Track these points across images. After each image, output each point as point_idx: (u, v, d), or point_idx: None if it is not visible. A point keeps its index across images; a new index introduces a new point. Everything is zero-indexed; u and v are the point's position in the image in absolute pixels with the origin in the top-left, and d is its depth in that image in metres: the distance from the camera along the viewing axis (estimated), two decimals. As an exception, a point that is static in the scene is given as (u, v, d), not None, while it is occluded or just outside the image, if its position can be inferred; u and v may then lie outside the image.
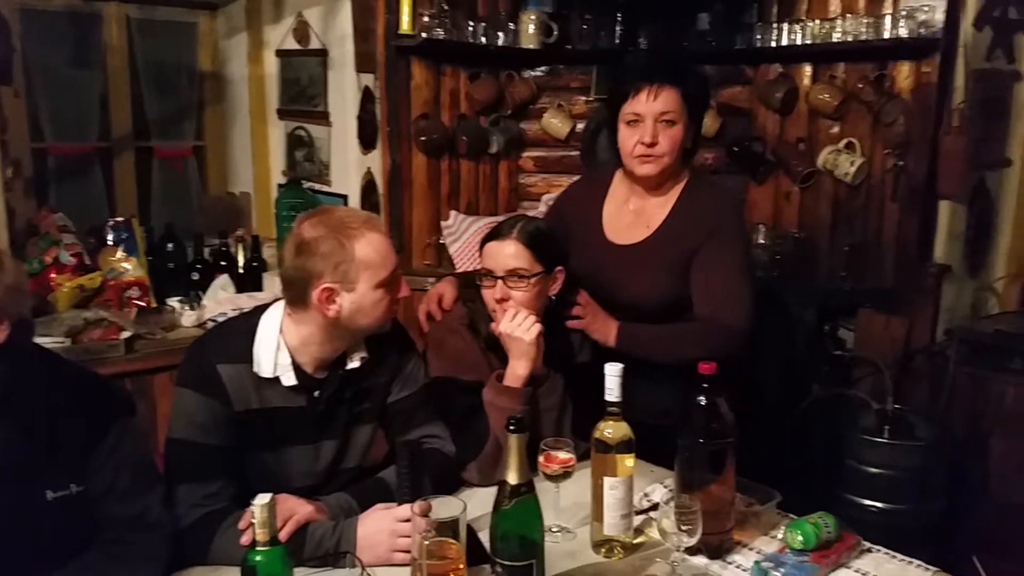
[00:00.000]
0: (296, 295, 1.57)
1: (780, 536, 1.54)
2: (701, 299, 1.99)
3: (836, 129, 3.21)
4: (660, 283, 2.00)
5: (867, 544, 1.58)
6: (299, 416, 1.64)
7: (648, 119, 1.91)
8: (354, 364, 1.68)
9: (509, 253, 1.81)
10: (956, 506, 2.90)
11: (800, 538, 1.47)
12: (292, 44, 3.24)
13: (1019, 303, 3.09)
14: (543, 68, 3.38)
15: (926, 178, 2.96)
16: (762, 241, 3.28)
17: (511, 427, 1.32)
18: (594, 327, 1.97)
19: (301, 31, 3.20)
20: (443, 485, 1.64)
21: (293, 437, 1.65)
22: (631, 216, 2.06)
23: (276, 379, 1.60)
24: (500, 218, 3.20)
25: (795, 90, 3.26)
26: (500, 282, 1.81)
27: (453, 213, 3.21)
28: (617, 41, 3.23)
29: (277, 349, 1.60)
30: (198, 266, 2.99)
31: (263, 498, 1.17)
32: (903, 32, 2.87)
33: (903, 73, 3.02)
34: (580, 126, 3.39)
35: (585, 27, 3.25)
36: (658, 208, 2.04)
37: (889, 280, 3.12)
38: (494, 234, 1.87)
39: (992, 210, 3.16)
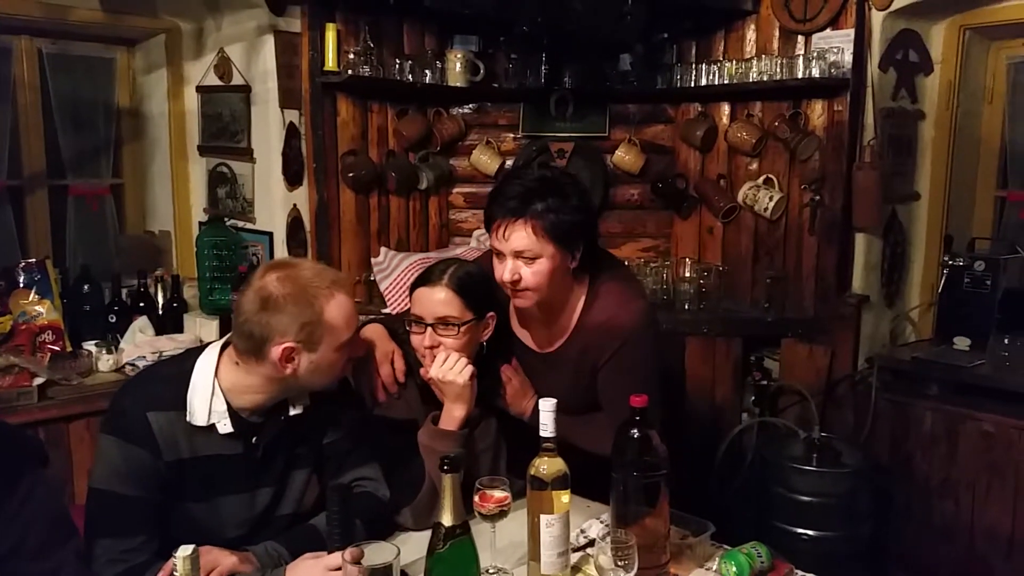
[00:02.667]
0: (252, 348, 1.52)
1: (715, 568, 1.55)
2: (608, 409, 1.90)
3: (755, 165, 3.32)
4: (572, 394, 1.88)
5: (799, 572, 1.59)
6: (235, 464, 1.58)
7: (508, 256, 1.76)
8: (297, 411, 1.63)
9: (439, 300, 1.77)
10: (883, 529, 2.99)
11: (734, 569, 1.48)
12: (214, 80, 3.19)
13: (933, 331, 3.21)
14: (471, 105, 3.41)
15: (842, 211, 3.08)
16: (688, 274, 3.35)
17: (444, 467, 1.30)
18: (515, 405, 1.91)
19: (223, 67, 3.15)
20: (376, 530, 1.60)
21: (228, 486, 1.59)
22: (538, 323, 1.94)
23: (211, 426, 1.54)
24: (431, 255, 3.21)
25: (714, 128, 3.36)
26: (430, 329, 1.77)
27: (383, 249, 3.18)
28: (543, 80, 3.28)
29: (212, 395, 1.54)
30: (115, 308, 2.87)
31: (185, 550, 1.12)
32: (815, 72, 3.00)
33: (816, 111, 3.15)
34: (509, 162, 3.42)
35: (511, 66, 3.29)
36: (563, 319, 1.91)
37: (810, 310, 3.21)
38: (424, 279, 1.82)
39: (905, 242, 3.30)
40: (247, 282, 1.57)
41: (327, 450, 1.71)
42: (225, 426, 1.55)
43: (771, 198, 3.21)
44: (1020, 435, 2.77)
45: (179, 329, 2.92)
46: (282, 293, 1.51)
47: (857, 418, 3.12)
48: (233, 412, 1.56)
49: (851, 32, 2.99)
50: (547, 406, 1.49)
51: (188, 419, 1.53)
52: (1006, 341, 2.88)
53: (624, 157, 3.40)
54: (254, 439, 1.59)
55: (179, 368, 1.58)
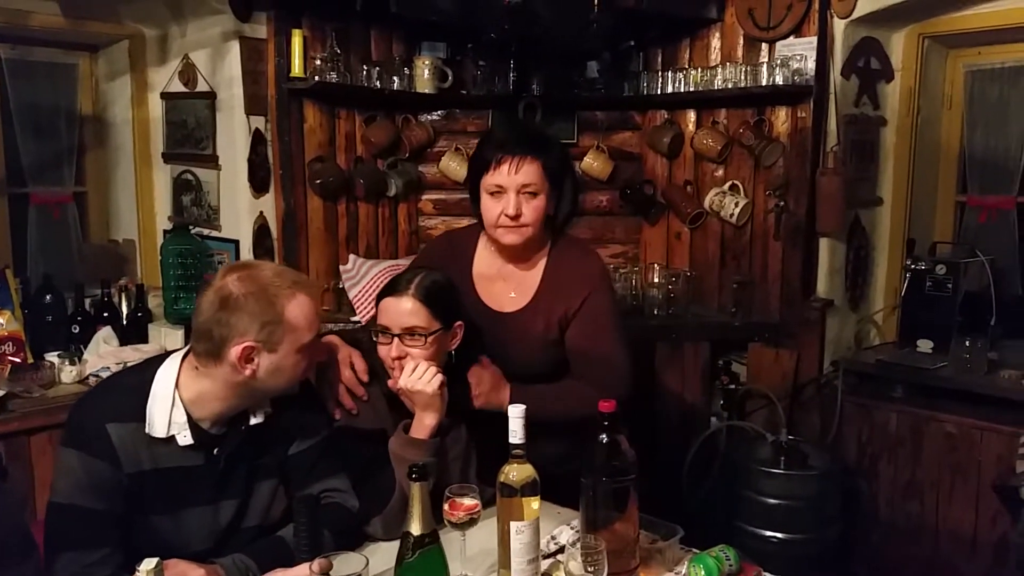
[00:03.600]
0: (210, 349, 1.50)
1: (684, 572, 1.55)
2: (580, 364, 1.99)
3: (720, 172, 3.36)
4: (537, 352, 1.98)
5: (767, 575, 1.60)
6: (197, 476, 1.55)
7: (511, 191, 1.90)
8: (258, 420, 1.61)
9: (406, 310, 1.76)
10: (850, 531, 3.02)
11: (703, 572, 1.49)
12: (178, 87, 3.15)
13: (897, 334, 3.26)
14: (440, 112, 3.40)
15: (806, 217, 3.12)
16: (656, 280, 3.38)
17: (413, 475, 1.29)
18: (490, 400, 1.90)
19: (188, 73, 3.12)
20: (345, 540, 1.58)
21: (190, 498, 1.56)
22: (502, 283, 2.04)
23: (171, 438, 1.52)
24: (401, 262, 3.19)
25: (681, 135, 3.39)
26: (396, 340, 1.76)
27: (352, 256, 3.16)
28: (511, 87, 3.29)
29: (172, 406, 1.52)
30: (78, 318, 2.82)
31: (149, 563, 1.10)
32: (779, 80, 3.04)
33: (780, 118, 3.20)
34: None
35: (479, 73, 3.29)
36: (528, 276, 2.03)
37: (776, 315, 3.25)
38: (391, 289, 1.81)
39: (868, 246, 3.36)
40: (207, 283, 1.54)
41: (293, 460, 1.68)
42: (185, 438, 1.52)
43: (737, 204, 3.25)
44: (982, 435, 2.82)
45: (144, 339, 2.87)
46: (242, 292, 1.48)
47: (823, 421, 3.16)
48: (193, 423, 1.53)
49: (814, 40, 3.04)
50: (516, 412, 1.49)
51: (147, 431, 1.50)
52: (967, 343, 2.93)
53: (593, 164, 3.42)
54: (215, 450, 1.56)
55: (139, 378, 1.55)
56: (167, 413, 1.51)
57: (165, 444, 1.52)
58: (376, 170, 3.23)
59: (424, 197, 3.43)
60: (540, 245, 2.03)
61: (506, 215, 1.91)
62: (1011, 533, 2.42)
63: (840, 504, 2.92)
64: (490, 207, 1.94)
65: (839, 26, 3.08)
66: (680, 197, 3.42)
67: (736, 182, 3.30)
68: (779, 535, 2.81)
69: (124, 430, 1.48)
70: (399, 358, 1.76)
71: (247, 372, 1.50)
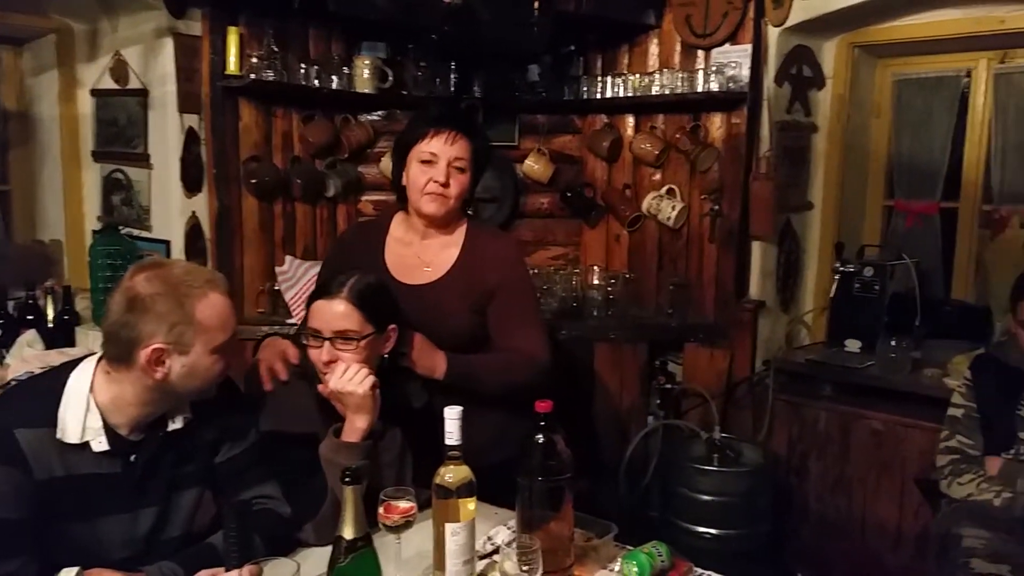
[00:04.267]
0: (119, 353, 1.45)
1: (617, 568, 1.57)
2: (504, 336, 2.06)
3: (658, 176, 3.41)
4: (460, 320, 2.04)
5: (698, 570, 1.64)
6: (113, 483, 1.50)
7: (443, 160, 2.00)
8: (176, 425, 1.57)
9: (338, 313, 1.74)
10: (781, 526, 3.10)
11: (635, 569, 1.51)
12: (109, 83, 3.07)
13: (826, 334, 3.36)
14: (380, 112, 3.38)
15: (739, 221, 3.19)
16: (596, 282, 3.41)
17: (346, 479, 1.28)
18: (421, 363, 1.93)
19: (119, 70, 3.03)
20: (276, 547, 1.56)
21: (107, 506, 1.50)
22: (414, 258, 2.10)
23: (85, 444, 1.47)
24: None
25: (620, 140, 3.44)
26: (328, 343, 1.75)
27: (288, 258, 3.12)
28: (452, 89, 3.28)
29: (87, 411, 1.47)
30: (1, 321, 2.74)
31: (69, 572, 1.07)
32: (714, 86, 3.11)
33: (715, 124, 3.26)
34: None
35: (420, 74, 3.28)
36: (444, 250, 2.09)
37: (711, 316, 3.31)
38: (322, 291, 1.79)
39: (799, 249, 3.45)
40: (116, 285, 1.50)
41: (222, 468, 1.64)
42: (100, 444, 1.47)
43: (674, 208, 3.30)
44: (907, 432, 2.93)
45: (71, 343, 2.79)
46: (150, 292, 1.44)
47: (756, 419, 3.24)
48: (109, 429, 1.49)
49: (748, 47, 3.11)
50: (452, 414, 1.49)
51: (59, 436, 1.45)
52: (893, 343, 3.03)
53: (534, 166, 3.44)
54: (132, 457, 1.52)
55: (51, 383, 1.50)
56: (81, 418, 1.46)
57: (79, 450, 1.46)
58: (314, 170, 3.19)
59: (364, 198, 3.40)
60: (456, 223, 2.11)
61: (435, 181, 2.00)
62: (932, 525, 2.51)
63: (771, 500, 2.99)
64: (419, 175, 2.02)
65: (773, 34, 3.16)
66: (619, 200, 3.46)
67: (673, 186, 3.36)
68: (712, 531, 2.87)
69: (33, 435, 1.43)
70: (330, 362, 1.74)
71: (158, 375, 1.46)
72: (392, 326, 1.83)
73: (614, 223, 3.51)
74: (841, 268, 3.23)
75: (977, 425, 2.38)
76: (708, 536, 2.87)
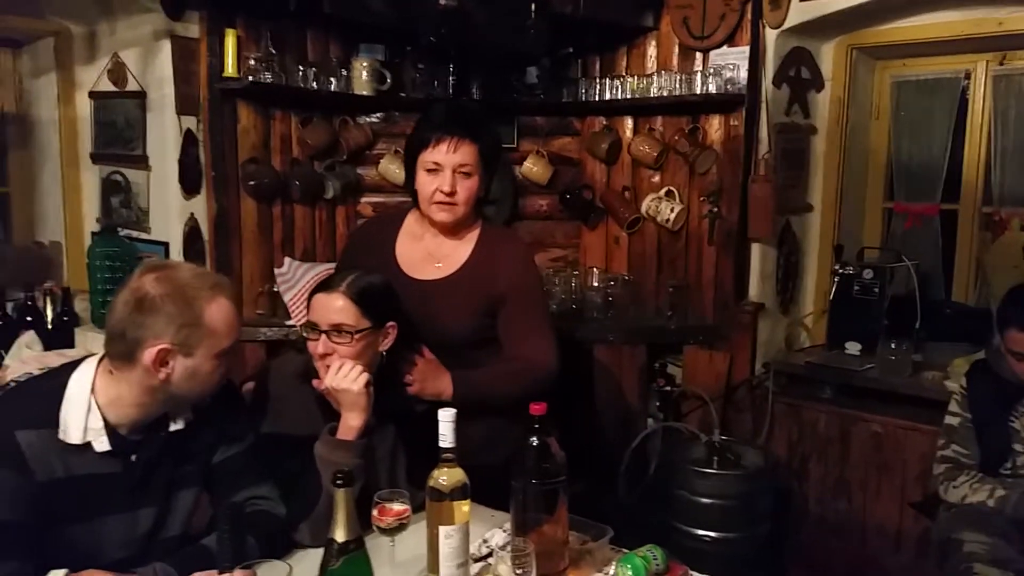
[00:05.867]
0: (124, 351, 1.46)
1: (612, 572, 1.57)
2: (514, 343, 2.06)
3: (657, 178, 3.41)
4: (465, 320, 2.04)
5: (694, 574, 1.63)
6: (114, 483, 1.50)
7: (447, 169, 1.98)
8: (178, 426, 1.57)
9: (335, 307, 1.76)
10: (781, 529, 3.09)
11: (630, 572, 1.50)
12: (107, 86, 3.07)
13: (826, 336, 3.35)
14: (379, 114, 3.37)
15: (738, 223, 3.18)
16: (596, 284, 3.41)
17: (338, 481, 1.27)
18: (428, 388, 1.94)
19: (117, 72, 3.04)
20: (272, 548, 1.55)
21: (107, 506, 1.51)
22: (425, 253, 2.10)
23: (87, 445, 1.47)
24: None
25: (619, 142, 3.43)
26: (324, 336, 1.76)
27: (287, 259, 3.11)
28: (451, 91, 3.28)
29: (88, 412, 1.47)
30: (0, 322, 2.73)
31: (56, 574, 1.06)
32: (712, 88, 3.10)
33: (714, 126, 3.26)
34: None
35: (418, 76, 3.27)
36: (455, 250, 2.09)
37: (710, 318, 3.31)
38: (324, 286, 1.82)
39: (799, 252, 3.44)
40: (122, 285, 1.50)
41: (219, 468, 1.65)
42: (102, 444, 1.48)
43: (672, 209, 3.30)
44: (906, 435, 2.92)
45: (70, 344, 2.79)
46: (159, 293, 1.45)
47: (755, 421, 3.23)
48: (111, 429, 1.49)
49: (746, 49, 3.10)
50: (446, 416, 1.49)
51: (61, 436, 1.45)
52: (893, 345, 3.02)
53: (532, 168, 3.43)
54: (133, 457, 1.52)
55: (52, 383, 1.50)
56: (83, 418, 1.46)
57: (80, 451, 1.47)
58: (313, 172, 3.19)
59: (363, 200, 3.39)
60: (470, 224, 2.10)
61: (441, 191, 1.98)
62: (932, 531, 2.49)
63: (771, 503, 2.98)
64: (426, 183, 2.01)
65: (771, 36, 3.15)
66: (618, 202, 3.46)
67: (672, 188, 3.35)
68: (712, 534, 2.86)
69: (35, 436, 1.43)
70: (325, 355, 1.75)
71: (161, 376, 1.46)
72: (391, 323, 1.84)
73: (613, 225, 3.51)
74: (840, 270, 3.23)
75: (973, 435, 2.37)
76: (708, 539, 2.86)
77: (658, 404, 3.34)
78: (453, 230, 2.09)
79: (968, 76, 3.33)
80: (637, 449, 3.26)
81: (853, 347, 3.19)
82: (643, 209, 3.39)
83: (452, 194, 1.98)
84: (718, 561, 2.85)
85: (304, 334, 1.81)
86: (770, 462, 3.08)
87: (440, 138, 1.98)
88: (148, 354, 1.44)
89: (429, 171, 2.00)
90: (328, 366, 1.73)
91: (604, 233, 3.55)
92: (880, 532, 2.99)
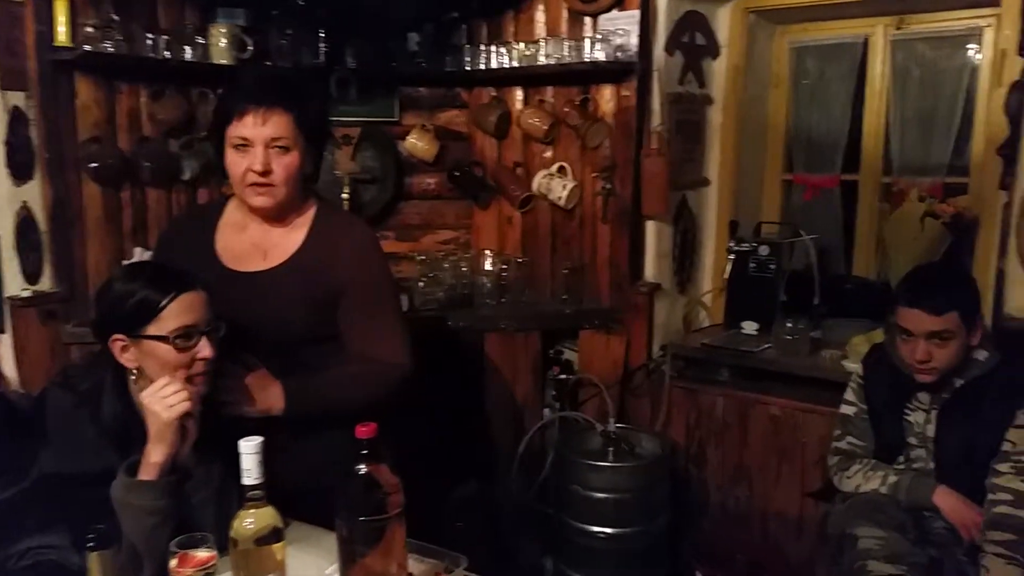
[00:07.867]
0: None
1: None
2: (357, 341, 1.85)
3: (549, 153, 3.21)
4: (298, 315, 1.81)
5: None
6: None
7: (258, 145, 1.72)
8: None
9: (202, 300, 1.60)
10: (680, 520, 2.97)
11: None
12: (-77, 57, 2.71)
13: (724, 317, 3.22)
14: (242, 86, 3.07)
15: (632, 199, 3.01)
16: (488, 268, 3.21)
17: (89, 544, 1.04)
18: (253, 404, 1.71)
19: (-67, 42, 2.68)
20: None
21: None
22: (250, 245, 1.86)
23: None
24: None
25: (508, 114, 3.22)
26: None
27: (138, 250, 2.81)
28: (321, 59, 3.01)
29: None
30: None
31: None
32: (601, 55, 2.90)
33: (605, 97, 3.06)
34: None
35: (285, 43, 2.98)
36: (284, 238, 1.85)
37: (606, 300, 3.14)
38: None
39: (696, 228, 3.29)
40: None
41: None
42: None
43: (564, 187, 3.11)
44: (804, 417, 2.81)
45: None
46: None
47: (653, 407, 3.09)
48: None
49: (636, 13, 2.91)
50: (248, 448, 1.26)
51: None
52: (789, 324, 2.90)
53: (417, 144, 3.20)
54: None
55: None
56: None
57: None
58: (166, 151, 2.88)
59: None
60: (299, 208, 1.86)
61: (253, 171, 1.73)
62: (827, 525, 2.37)
63: (669, 493, 2.85)
64: (235, 162, 1.75)
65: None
66: (509, 180, 3.25)
67: (564, 164, 3.16)
68: (607, 530, 2.71)
69: None
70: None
71: None
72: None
73: (506, 204, 3.30)
74: (735, 247, 3.09)
75: (868, 426, 2.28)
76: (603, 536, 2.71)
77: (554, 393, 3.17)
78: (278, 216, 1.83)
79: (867, 41, 3.21)
80: (533, 441, 3.09)
81: (750, 327, 3.07)
82: (534, 187, 3.19)
83: (266, 173, 1.72)
84: (612, 558, 2.71)
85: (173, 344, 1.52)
86: (667, 450, 2.95)
87: (246, 109, 1.71)
88: None
89: (237, 148, 1.74)
90: (189, 376, 1.51)
91: (497, 213, 3.34)
92: (781, 519, 2.89)
